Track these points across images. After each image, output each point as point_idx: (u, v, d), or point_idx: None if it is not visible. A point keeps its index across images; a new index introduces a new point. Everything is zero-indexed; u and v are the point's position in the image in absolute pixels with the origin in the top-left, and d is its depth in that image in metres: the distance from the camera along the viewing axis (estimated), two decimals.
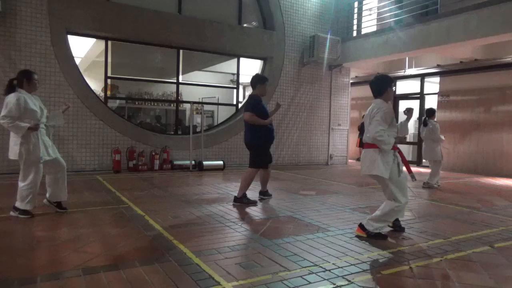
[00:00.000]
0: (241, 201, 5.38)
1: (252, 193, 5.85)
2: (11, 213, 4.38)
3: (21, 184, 4.36)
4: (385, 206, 3.88)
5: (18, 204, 4.35)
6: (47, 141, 4.51)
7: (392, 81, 4.15)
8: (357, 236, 3.88)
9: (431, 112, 7.81)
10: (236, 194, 5.50)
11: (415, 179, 4.08)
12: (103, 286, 2.59)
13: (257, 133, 5.39)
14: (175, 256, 3.19)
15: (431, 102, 11.42)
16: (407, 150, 12.54)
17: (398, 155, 3.89)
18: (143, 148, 8.92)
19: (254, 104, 5.40)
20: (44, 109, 4.55)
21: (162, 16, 9.02)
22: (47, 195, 4.60)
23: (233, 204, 5.35)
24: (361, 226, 3.93)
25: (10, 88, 4.33)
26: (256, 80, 5.54)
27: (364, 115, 15.79)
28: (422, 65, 11.58)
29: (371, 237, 3.81)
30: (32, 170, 4.33)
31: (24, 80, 4.35)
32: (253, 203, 5.42)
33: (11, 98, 4.22)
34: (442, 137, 7.72)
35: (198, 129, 10.22)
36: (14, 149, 4.29)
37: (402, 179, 3.88)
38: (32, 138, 4.29)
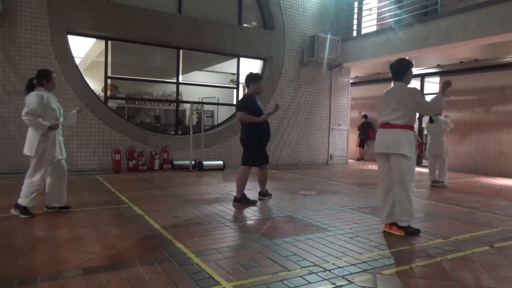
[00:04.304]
0: (241, 201, 5.37)
1: (252, 193, 5.85)
2: (12, 211, 4.37)
3: (28, 180, 4.37)
4: (399, 199, 3.93)
5: (21, 200, 4.34)
6: (61, 140, 4.61)
7: (412, 65, 4.27)
8: (386, 233, 4.02)
9: None
10: (235, 194, 5.50)
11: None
12: (103, 286, 2.59)
13: (251, 131, 5.35)
14: (175, 256, 3.19)
15: None
16: None
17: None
18: (143, 148, 8.91)
19: (246, 103, 5.36)
20: (61, 108, 4.62)
21: (162, 16, 9.01)
22: (46, 201, 4.61)
23: (232, 204, 5.35)
24: (395, 225, 4.01)
25: (30, 87, 4.41)
26: (249, 78, 5.46)
27: (364, 114, 15.56)
28: (422, 65, 11.58)
29: (409, 234, 3.92)
30: (43, 168, 4.37)
31: (43, 79, 4.42)
32: (253, 203, 5.42)
33: (34, 96, 4.29)
34: (448, 126, 7.74)
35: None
36: (31, 146, 4.32)
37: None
38: (50, 137, 4.38)
